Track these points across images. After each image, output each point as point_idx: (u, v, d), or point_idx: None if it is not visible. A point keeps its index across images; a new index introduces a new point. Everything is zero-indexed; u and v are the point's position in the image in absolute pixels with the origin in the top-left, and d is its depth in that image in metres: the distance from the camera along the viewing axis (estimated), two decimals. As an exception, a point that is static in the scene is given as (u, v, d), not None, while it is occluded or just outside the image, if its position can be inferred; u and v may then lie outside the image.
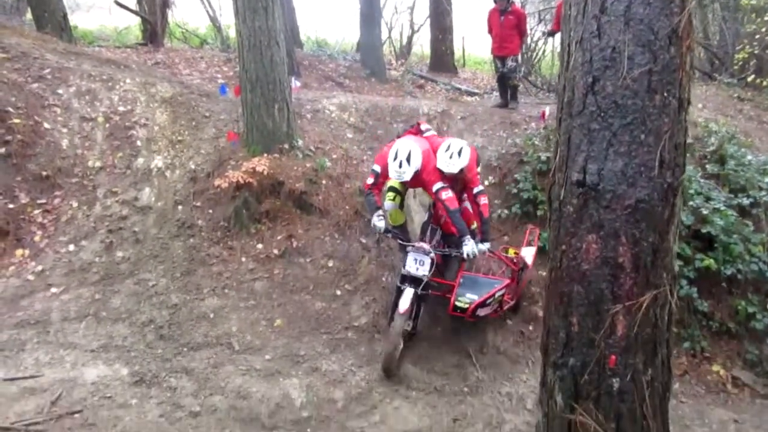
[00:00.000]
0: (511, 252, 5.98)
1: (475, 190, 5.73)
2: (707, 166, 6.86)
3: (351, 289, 6.25)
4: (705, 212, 6.08)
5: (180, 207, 6.58)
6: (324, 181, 6.98)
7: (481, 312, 5.46)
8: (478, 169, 6.00)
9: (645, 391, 2.05)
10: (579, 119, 2.22)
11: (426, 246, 5.50)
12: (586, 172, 2.18)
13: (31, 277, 5.71)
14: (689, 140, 7.04)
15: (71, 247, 6.04)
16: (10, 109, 6.65)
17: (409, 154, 5.36)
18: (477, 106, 9.62)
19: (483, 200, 5.68)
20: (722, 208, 6.15)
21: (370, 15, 12.98)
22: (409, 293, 5.28)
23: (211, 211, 6.57)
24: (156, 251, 6.13)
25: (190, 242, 6.24)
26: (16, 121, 6.58)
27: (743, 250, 6.01)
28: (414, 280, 5.41)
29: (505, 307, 5.76)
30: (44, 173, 6.46)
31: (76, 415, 4.28)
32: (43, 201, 6.33)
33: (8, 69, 7.16)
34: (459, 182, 5.76)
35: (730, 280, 6.06)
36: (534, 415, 5.05)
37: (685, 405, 5.39)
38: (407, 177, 5.40)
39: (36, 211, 6.24)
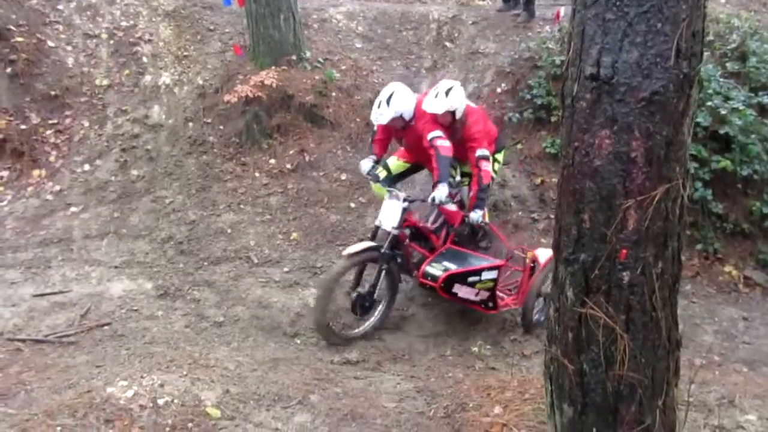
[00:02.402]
0: (529, 255, 5.10)
1: (478, 153, 4.97)
2: (727, 64, 6.62)
3: (365, 201, 6.29)
4: (723, 112, 5.93)
5: (191, 124, 6.56)
6: (334, 93, 6.88)
7: (461, 291, 4.66)
8: (480, 128, 5.05)
9: (655, 283, 2.08)
10: (593, 9, 2.13)
11: (401, 194, 4.87)
12: (600, 65, 2.11)
13: (49, 197, 5.81)
14: (710, 37, 6.77)
15: (86, 167, 6.10)
16: (12, 27, 6.53)
17: (391, 96, 4.79)
18: (489, 10, 9.27)
19: (485, 166, 4.95)
20: (741, 107, 5.99)
21: None
22: (363, 244, 4.72)
23: (222, 127, 6.54)
24: (170, 169, 6.17)
25: (203, 159, 6.27)
26: (20, 39, 6.48)
27: (761, 150, 5.91)
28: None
29: (502, 304, 4.94)
30: (53, 92, 6.43)
31: (106, 327, 4.47)
32: (55, 121, 6.33)
33: (6, -15, 6.97)
34: (459, 140, 5.03)
35: (746, 181, 5.99)
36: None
37: (696, 305, 5.50)
38: (384, 120, 4.81)
39: (48, 132, 6.26)
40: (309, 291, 5.16)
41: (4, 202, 5.75)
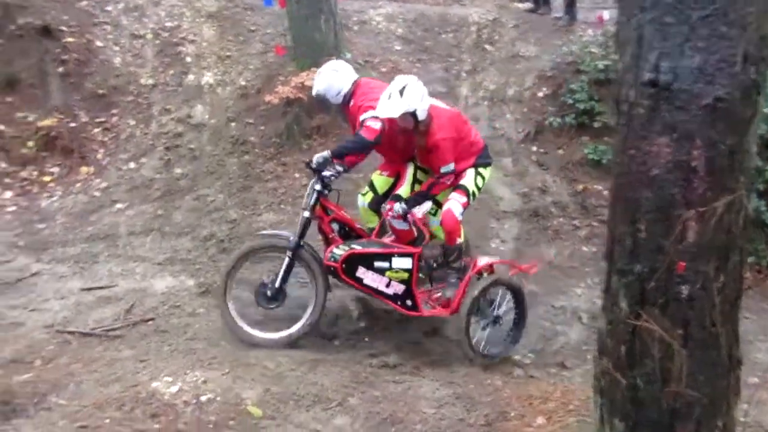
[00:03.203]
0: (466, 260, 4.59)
1: (442, 169, 4.28)
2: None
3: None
4: (778, 119, 5.74)
5: (233, 124, 6.64)
6: (374, 95, 6.88)
7: (367, 277, 4.19)
8: (448, 136, 4.24)
9: (715, 298, 2.02)
10: (652, 13, 2.09)
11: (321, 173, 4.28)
12: (658, 70, 2.06)
13: (97, 194, 5.95)
14: None
15: (132, 165, 6.22)
16: (64, 28, 6.72)
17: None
18: (529, 13, 9.18)
19: (444, 182, 4.36)
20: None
21: None
22: (277, 231, 4.53)
23: (263, 127, 6.61)
24: (212, 168, 6.25)
25: (244, 159, 6.33)
26: (70, 39, 6.67)
27: (818, 159, 5.71)
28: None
29: (424, 307, 4.40)
30: (100, 91, 6.59)
31: (149, 323, 4.54)
32: (102, 119, 6.49)
33: (57, -13, 7.17)
34: (424, 148, 4.33)
35: (801, 192, 5.80)
36: (588, 327, 5.11)
37: (748, 320, 5.29)
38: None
39: (96, 130, 6.41)
40: (347, 292, 5.15)
41: (55, 198, 5.91)
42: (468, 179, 4.46)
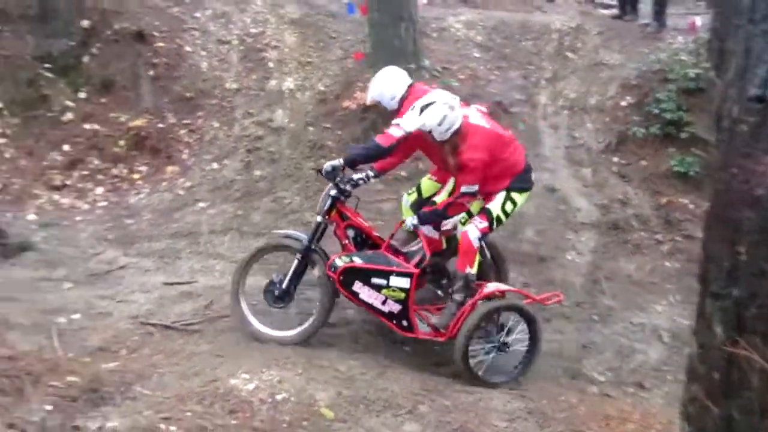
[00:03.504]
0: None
1: (463, 189, 4.13)
2: None
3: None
4: None
5: (311, 128, 6.77)
6: (451, 102, 6.87)
7: (363, 293, 4.10)
8: (478, 157, 4.02)
9: (823, 327, 1.89)
10: (762, 25, 1.98)
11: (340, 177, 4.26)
12: (767, 85, 1.96)
13: (181, 192, 6.21)
14: None
15: (215, 165, 6.47)
16: (155, 33, 7.08)
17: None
18: (614, 20, 8.92)
19: (462, 202, 4.23)
20: None
21: None
22: (291, 231, 4.53)
23: (340, 132, 6.71)
24: (290, 171, 6.40)
25: (321, 163, 6.42)
26: (161, 44, 7.01)
27: None
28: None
29: (420, 328, 4.25)
30: (188, 94, 6.90)
31: (226, 319, 4.67)
32: (188, 121, 6.78)
33: (151, -6, 7.56)
34: (456, 167, 4.18)
35: None
36: (669, 347, 4.90)
37: None
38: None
39: (182, 131, 6.71)
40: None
41: (142, 195, 6.21)
42: (495, 203, 4.21)
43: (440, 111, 3.99)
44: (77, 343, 4.12)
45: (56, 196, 6.18)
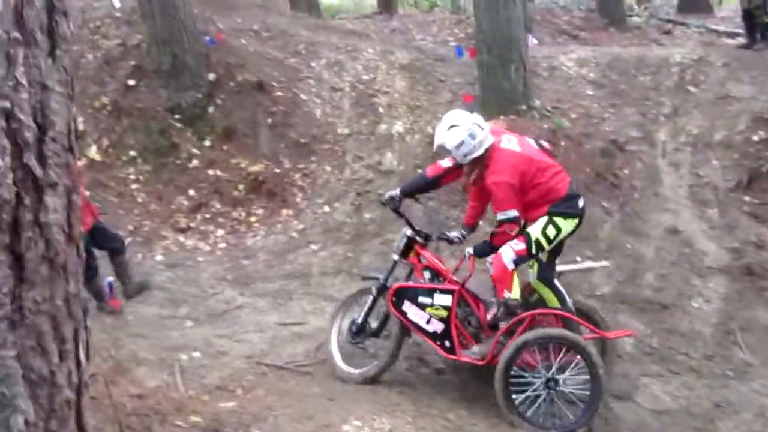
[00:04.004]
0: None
1: (499, 216, 3.99)
2: None
3: (592, 255, 5.93)
4: None
5: (420, 171, 6.80)
6: (563, 142, 6.70)
7: (411, 312, 4.12)
8: (502, 180, 3.88)
9: None
10: None
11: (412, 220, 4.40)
12: None
13: (294, 235, 6.44)
14: None
15: (326, 208, 6.65)
16: (274, 83, 7.49)
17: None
18: (741, 50, 8.39)
19: (504, 230, 4.00)
20: None
21: (610, -42, 11.95)
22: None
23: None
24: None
25: (429, 205, 6.46)
26: (279, 93, 7.42)
27: None
28: None
29: (459, 351, 4.11)
30: (302, 140, 7.22)
31: (336, 361, 4.72)
32: (302, 166, 7.07)
33: (271, 47, 8.07)
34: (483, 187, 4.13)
35: None
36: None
37: None
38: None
39: (297, 175, 6.99)
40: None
41: (258, 237, 6.49)
42: (536, 226, 3.98)
43: (459, 135, 3.90)
44: (197, 381, 4.29)
45: (181, 238, 6.59)
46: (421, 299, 4.14)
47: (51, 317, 1.05)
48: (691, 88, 7.42)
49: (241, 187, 6.96)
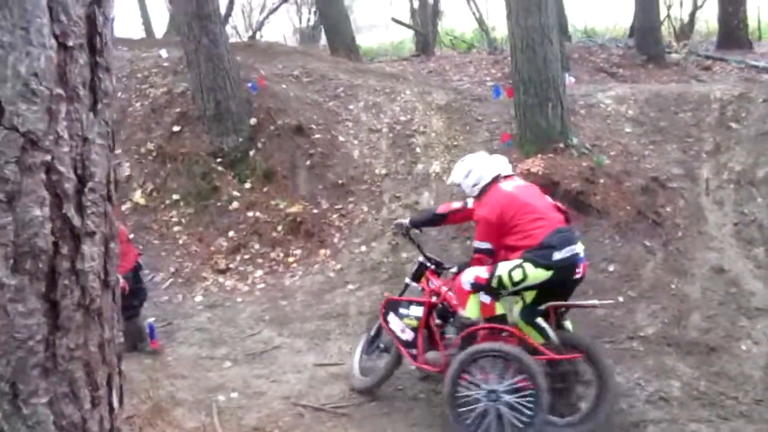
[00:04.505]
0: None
1: (474, 244, 4.31)
2: None
3: (635, 295, 5.80)
4: None
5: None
6: (602, 180, 6.61)
7: (393, 322, 4.53)
8: (483, 215, 4.16)
9: None
10: None
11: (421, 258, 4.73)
12: None
13: (332, 275, 6.47)
14: None
15: (363, 248, 6.69)
16: (313, 126, 7.65)
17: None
18: (786, 84, 8.21)
19: (478, 258, 4.25)
20: None
21: (647, -6, 11.93)
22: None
23: (485, 213, 6.68)
24: (436, 252, 6.34)
25: (467, 244, 6.43)
26: (317, 136, 7.57)
27: None
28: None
29: (421, 358, 4.39)
30: (340, 181, 7.31)
31: (373, 403, 4.68)
32: (340, 206, 7.15)
33: (311, 90, 8.26)
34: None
35: None
36: None
37: None
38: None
39: (334, 216, 7.07)
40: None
41: (296, 277, 6.56)
42: (506, 264, 4.05)
43: (465, 167, 4.36)
44: (235, 422, 4.31)
45: (221, 279, 6.71)
46: (401, 310, 4.55)
47: (84, 363, 1.07)
48: (733, 125, 7.26)
49: (279, 228, 7.07)
